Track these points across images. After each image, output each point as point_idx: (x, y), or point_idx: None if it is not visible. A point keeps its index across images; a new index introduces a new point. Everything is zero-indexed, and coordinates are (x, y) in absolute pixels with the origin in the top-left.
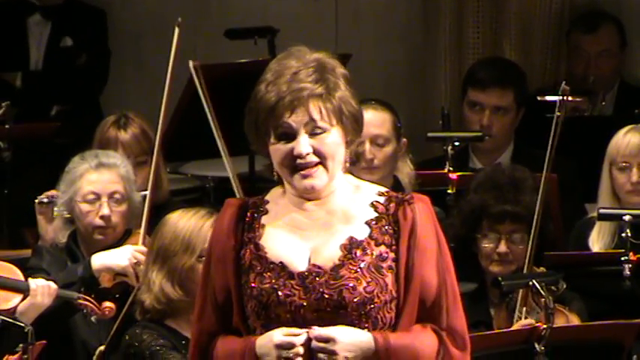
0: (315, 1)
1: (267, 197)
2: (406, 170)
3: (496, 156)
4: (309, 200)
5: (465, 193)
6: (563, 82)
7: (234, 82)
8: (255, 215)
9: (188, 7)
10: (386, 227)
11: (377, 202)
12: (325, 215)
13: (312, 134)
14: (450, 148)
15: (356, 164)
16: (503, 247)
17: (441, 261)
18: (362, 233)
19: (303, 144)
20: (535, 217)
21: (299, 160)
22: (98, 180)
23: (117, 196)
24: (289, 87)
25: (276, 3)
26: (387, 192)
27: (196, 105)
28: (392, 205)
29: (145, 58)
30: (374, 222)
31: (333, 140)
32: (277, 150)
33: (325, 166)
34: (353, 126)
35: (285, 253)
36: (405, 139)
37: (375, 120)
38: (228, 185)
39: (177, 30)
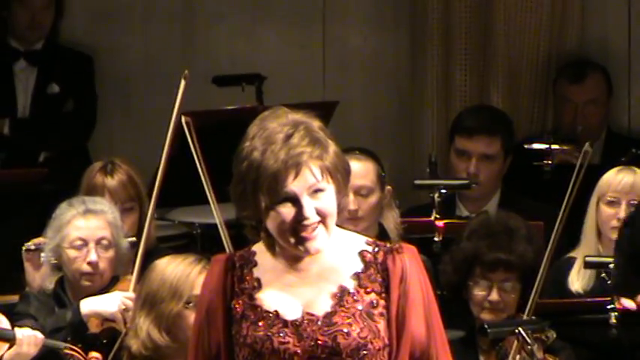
0: (303, 47)
1: (255, 249)
2: (392, 217)
3: (483, 204)
4: (301, 259)
5: (457, 240)
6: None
7: (222, 128)
8: (245, 268)
9: (175, 53)
10: (374, 276)
11: (365, 251)
12: (317, 272)
13: (313, 195)
14: (437, 195)
15: (339, 215)
16: (495, 296)
17: (429, 311)
18: (351, 283)
19: (309, 208)
20: (543, 265)
21: (303, 223)
22: (85, 226)
23: (104, 242)
24: (288, 153)
25: (264, 50)
26: (373, 241)
27: (184, 151)
28: (380, 253)
29: (133, 104)
30: (362, 271)
31: (331, 198)
32: (278, 215)
33: (325, 225)
34: (344, 180)
35: (278, 303)
36: (389, 187)
37: (359, 171)
38: (215, 232)
39: (183, 82)
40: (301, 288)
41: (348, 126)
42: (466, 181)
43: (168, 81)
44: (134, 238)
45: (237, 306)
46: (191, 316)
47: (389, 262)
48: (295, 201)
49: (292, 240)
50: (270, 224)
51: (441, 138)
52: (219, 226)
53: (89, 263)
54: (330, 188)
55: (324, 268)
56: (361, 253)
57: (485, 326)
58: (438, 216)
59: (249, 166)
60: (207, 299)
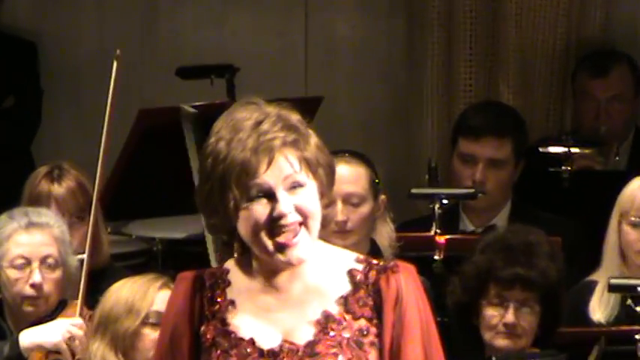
0: (281, 35)
1: (228, 266)
2: (385, 232)
3: (491, 216)
4: (280, 272)
5: (467, 257)
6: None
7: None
8: (216, 288)
9: (133, 41)
10: (365, 299)
11: (354, 270)
12: (298, 294)
13: (290, 190)
14: (437, 206)
15: (325, 227)
16: (510, 317)
17: (428, 340)
18: (337, 308)
19: (285, 202)
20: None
21: (280, 222)
22: (28, 242)
23: (50, 260)
24: (257, 139)
25: (236, 38)
26: (365, 259)
27: (143, 154)
28: (372, 273)
29: (84, 100)
30: (350, 294)
31: (312, 195)
32: (251, 214)
33: (307, 227)
34: (328, 179)
35: (255, 329)
36: (383, 196)
37: (349, 176)
38: (179, 248)
39: (115, 64)
40: (280, 313)
41: (334, 125)
42: (471, 190)
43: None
44: (84, 255)
45: (206, 332)
46: (150, 335)
47: (382, 282)
48: (270, 195)
49: (269, 246)
50: (243, 228)
51: (442, 140)
52: (207, 242)
53: (32, 285)
54: (311, 185)
55: (307, 289)
56: (350, 273)
57: (493, 359)
58: (438, 231)
59: (215, 161)
60: (171, 323)
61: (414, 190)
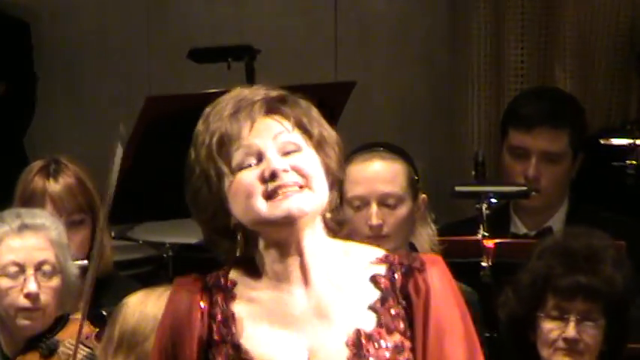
0: (307, 13)
1: (233, 275)
2: (426, 235)
3: (546, 217)
4: (291, 270)
5: (523, 264)
6: None
7: (198, 118)
8: (223, 301)
9: (139, 19)
10: (395, 309)
11: (377, 275)
12: (317, 299)
13: (284, 153)
14: (485, 206)
15: (357, 232)
16: (571, 332)
17: (468, 338)
18: (369, 322)
19: (276, 159)
20: None
21: (276, 182)
22: (21, 247)
23: (46, 267)
24: (236, 105)
25: (257, 16)
26: (385, 256)
27: (150, 147)
28: (397, 276)
29: (83, 87)
30: (379, 304)
31: (313, 160)
32: (240, 183)
33: (310, 188)
34: (336, 158)
35: (273, 348)
36: (424, 195)
37: (384, 174)
38: (191, 254)
39: (119, 147)
40: (300, 324)
41: (367, 115)
42: (524, 188)
43: (128, 58)
44: (85, 262)
45: (216, 356)
46: None
47: (410, 288)
48: (260, 157)
49: (264, 206)
50: (237, 208)
51: (491, 131)
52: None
53: (27, 295)
54: (309, 152)
55: (327, 295)
56: (374, 279)
57: None
58: (486, 234)
59: (195, 145)
60: (169, 338)
61: (458, 188)
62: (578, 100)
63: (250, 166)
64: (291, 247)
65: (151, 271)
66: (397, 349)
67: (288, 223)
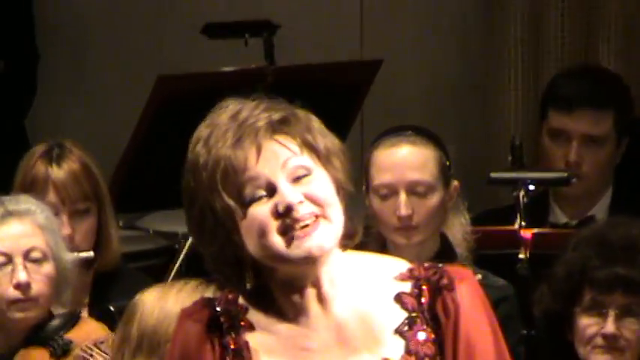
0: None
1: (244, 301)
2: (459, 225)
3: (588, 206)
4: (308, 299)
5: (557, 255)
6: None
7: (212, 98)
8: (236, 333)
9: None
10: (424, 332)
11: (403, 294)
12: (338, 328)
13: (295, 180)
14: (522, 194)
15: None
16: (610, 328)
17: (500, 355)
18: (396, 349)
19: (288, 191)
20: None
21: (291, 215)
22: (6, 235)
23: (35, 254)
24: (238, 129)
25: None
26: (411, 270)
27: (162, 129)
28: (425, 293)
29: (89, 66)
30: (406, 328)
31: (324, 183)
32: (253, 218)
33: (327, 217)
34: (343, 168)
35: None
36: (456, 183)
37: (414, 160)
38: None
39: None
40: (321, 355)
41: (395, 95)
42: (564, 174)
43: (138, 35)
44: (91, 253)
45: None
46: None
47: (438, 308)
48: (270, 189)
49: (280, 243)
50: (250, 245)
51: (529, 113)
52: None
53: (17, 286)
54: (319, 172)
55: (349, 321)
56: (399, 298)
57: None
58: (523, 224)
59: (195, 172)
60: None
61: (493, 175)
62: (622, 79)
63: (261, 198)
64: (308, 280)
65: (162, 263)
66: None
67: (308, 262)
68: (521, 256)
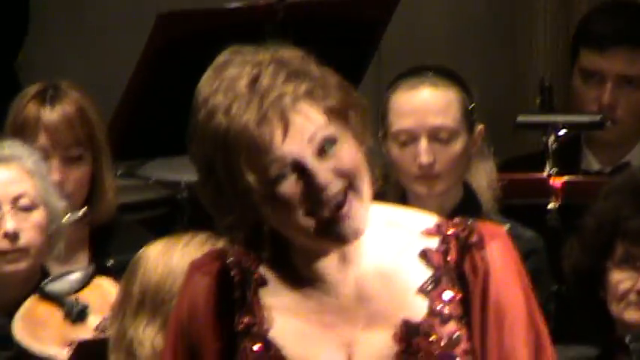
0: None
1: (257, 255)
2: (484, 172)
3: (623, 152)
4: (329, 259)
5: (587, 206)
6: None
7: (218, 39)
8: (247, 288)
9: None
10: (450, 292)
11: (428, 250)
12: (358, 286)
13: (321, 152)
14: (552, 139)
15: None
16: None
17: (533, 327)
18: (418, 309)
19: (320, 171)
20: None
21: (322, 197)
22: None
23: (24, 201)
24: (260, 103)
25: None
26: (438, 225)
27: (162, 72)
28: (452, 250)
29: (83, 5)
30: (431, 285)
31: (350, 149)
32: (279, 198)
33: (356, 190)
34: (362, 121)
35: (311, 353)
36: (481, 126)
37: (435, 102)
38: None
39: None
40: (338, 316)
41: (416, 33)
42: (597, 117)
43: None
44: (81, 212)
45: (247, 356)
46: None
47: (466, 266)
48: (298, 168)
49: (311, 227)
50: (274, 220)
51: (559, 52)
52: None
53: (5, 235)
54: (344, 137)
55: (369, 279)
56: (424, 254)
57: (627, 340)
58: (554, 171)
59: (214, 144)
60: (186, 330)
61: (521, 118)
62: None
63: (285, 175)
64: None
65: (164, 215)
66: (453, 341)
67: (340, 245)
68: (550, 205)
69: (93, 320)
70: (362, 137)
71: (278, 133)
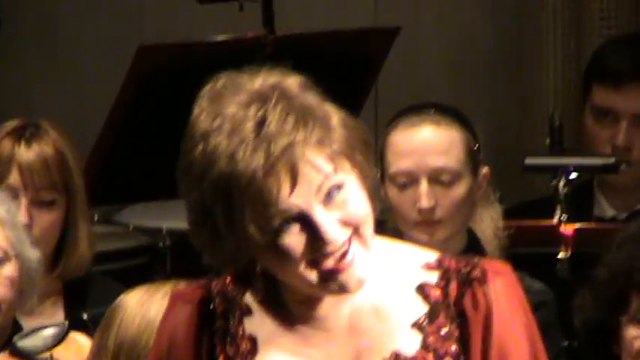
0: None
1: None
2: (489, 219)
3: (639, 197)
4: (322, 301)
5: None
6: None
7: (202, 72)
8: (230, 317)
9: None
10: (447, 326)
11: (427, 284)
12: (350, 316)
13: (328, 200)
14: (562, 183)
15: (404, 217)
16: None
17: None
18: (411, 343)
19: (327, 223)
20: None
21: (326, 251)
22: None
23: None
24: (268, 151)
25: None
26: (438, 261)
27: (143, 107)
28: (452, 286)
29: (59, 31)
30: (426, 321)
31: (355, 192)
32: (281, 248)
33: (359, 236)
34: (367, 157)
35: None
36: (486, 169)
37: (437, 142)
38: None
39: None
40: (326, 348)
41: (415, 68)
42: (611, 160)
43: None
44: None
45: None
46: None
47: (466, 302)
48: (304, 220)
49: (314, 278)
50: (273, 268)
51: (569, 88)
52: None
53: None
54: (350, 180)
55: (362, 313)
56: (421, 289)
57: None
58: (564, 217)
59: (215, 188)
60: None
61: (529, 160)
62: None
63: (289, 225)
64: None
65: (144, 264)
66: None
67: (343, 294)
68: (561, 255)
69: None
70: (367, 173)
71: (286, 186)
